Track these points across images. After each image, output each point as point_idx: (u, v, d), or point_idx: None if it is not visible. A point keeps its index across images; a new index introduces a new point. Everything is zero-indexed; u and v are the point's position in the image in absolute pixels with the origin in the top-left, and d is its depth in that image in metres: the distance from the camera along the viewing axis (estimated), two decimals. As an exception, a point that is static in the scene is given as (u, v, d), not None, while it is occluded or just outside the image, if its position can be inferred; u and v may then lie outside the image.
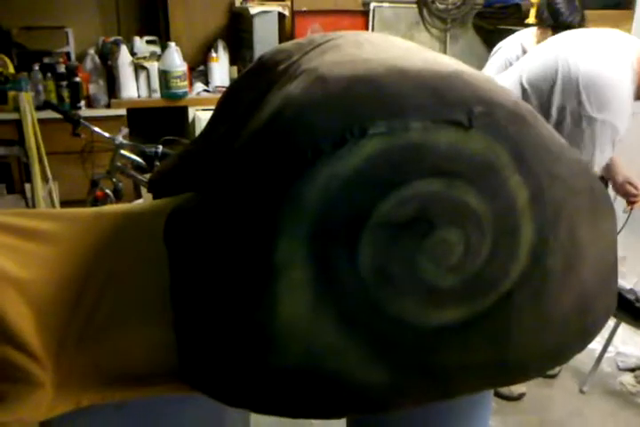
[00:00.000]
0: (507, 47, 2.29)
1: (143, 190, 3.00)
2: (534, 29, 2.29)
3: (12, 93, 2.86)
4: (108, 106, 3.14)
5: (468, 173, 0.97)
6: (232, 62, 3.49)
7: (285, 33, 3.55)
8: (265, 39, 3.37)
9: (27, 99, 2.60)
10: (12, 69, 2.88)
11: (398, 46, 1.22)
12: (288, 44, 1.30)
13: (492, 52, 2.37)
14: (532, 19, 3.59)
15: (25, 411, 1.20)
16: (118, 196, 2.67)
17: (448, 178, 0.95)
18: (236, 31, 3.54)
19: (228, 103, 1.37)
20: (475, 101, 0.95)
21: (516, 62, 2.05)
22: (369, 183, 0.96)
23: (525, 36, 2.30)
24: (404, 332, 0.99)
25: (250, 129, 1.15)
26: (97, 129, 2.51)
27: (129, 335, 1.25)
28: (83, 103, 3.04)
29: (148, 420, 1.25)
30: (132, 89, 3.17)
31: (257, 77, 1.29)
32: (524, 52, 2.21)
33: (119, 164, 2.62)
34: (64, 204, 2.88)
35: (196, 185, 1.29)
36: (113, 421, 1.24)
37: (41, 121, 2.76)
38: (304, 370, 1.04)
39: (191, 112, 3.24)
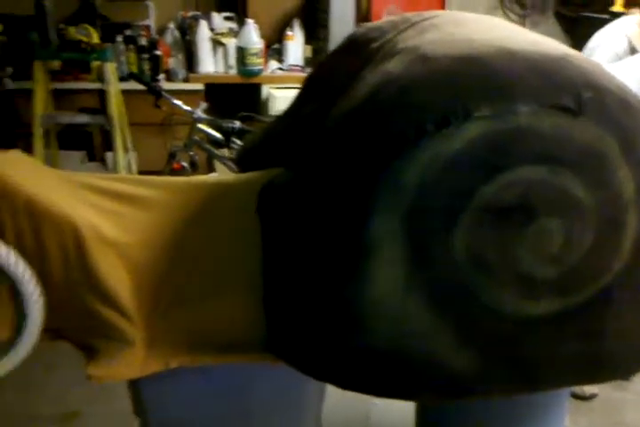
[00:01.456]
0: (611, 40, 2.14)
1: (216, 164, 3.07)
2: (638, 19, 2.15)
3: (95, 63, 2.95)
4: (186, 80, 3.21)
5: (575, 162, 0.95)
6: (307, 41, 3.49)
7: (361, 13, 3.52)
8: (341, 19, 3.36)
9: (111, 69, 2.68)
10: (96, 40, 2.97)
11: (501, 27, 1.20)
12: (380, 23, 1.30)
13: (590, 47, 2.21)
14: (618, 6, 3.43)
15: (118, 367, 1.27)
16: (194, 168, 2.74)
17: (553, 165, 0.94)
18: (313, 10, 3.53)
19: (317, 81, 1.38)
20: (584, 86, 0.93)
21: (628, 56, 1.96)
22: (472, 166, 0.95)
23: (627, 27, 2.15)
24: (496, 321, 0.99)
25: (343, 107, 1.16)
26: (177, 102, 2.58)
27: (219, 303, 1.30)
28: (162, 76, 3.12)
29: (231, 386, 1.31)
30: (209, 64, 3.23)
31: (347, 55, 1.30)
32: (632, 45, 2.07)
33: (196, 137, 2.69)
34: (142, 173, 2.98)
35: (285, 161, 1.32)
36: (198, 384, 1.30)
37: (123, 92, 2.85)
38: (390, 350, 1.06)
39: (265, 90, 3.27)
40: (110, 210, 1.34)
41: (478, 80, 0.97)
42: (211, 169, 3.18)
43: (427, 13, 1.27)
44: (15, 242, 1.25)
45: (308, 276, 1.09)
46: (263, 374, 1.29)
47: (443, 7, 3.63)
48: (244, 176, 1.36)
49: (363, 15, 3.53)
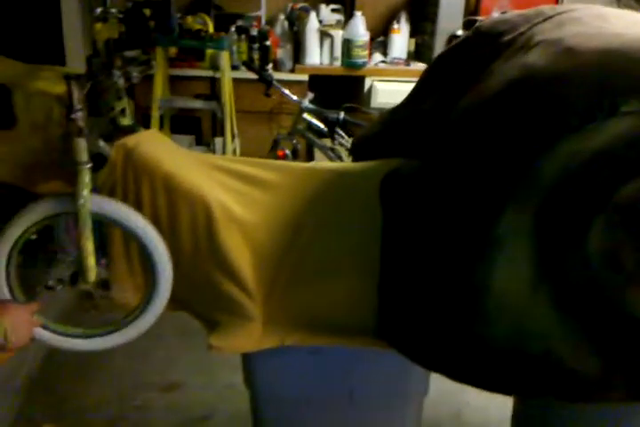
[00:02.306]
0: None
1: (316, 153, 3.12)
2: None
3: (209, 51, 3.07)
4: (292, 70, 3.28)
5: None
6: (412, 35, 3.48)
7: (470, 7, 3.46)
8: (450, 13, 3.31)
9: (226, 58, 2.79)
10: (211, 29, 3.08)
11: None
12: (510, 15, 1.28)
13: None
14: None
15: (237, 340, 1.34)
16: (295, 156, 2.81)
17: None
18: (420, 4, 3.51)
19: (437, 73, 1.38)
20: None
21: None
22: (613, 164, 0.93)
23: None
24: (628, 325, 0.95)
25: (475, 99, 1.16)
26: (286, 91, 2.65)
27: (333, 286, 1.34)
28: (270, 66, 3.20)
29: (338, 368, 1.35)
30: (315, 55, 3.28)
31: (473, 48, 1.29)
32: None
33: (300, 126, 2.75)
34: (244, 159, 3.08)
35: (406, 151, 1.34)
36: (307, 364, 1.36)
37: (232, 80, 2.96)
38: (510, 345, 1.05)
39: (367, 82, 3.29)
40: (237, 190, 1.41)
41: (627, 75, 0.94)
42: (310, 158, 3.24)
43: (562, 7, 1.24)
44: (151, 216, 1.35)
45: (432, 264, 1.11)
46: (371, 360, 1.33)
47: (556, 2, 3.51)
48: (364, 164, 1.39)
49: (471, 10, 3.47)
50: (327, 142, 2.79)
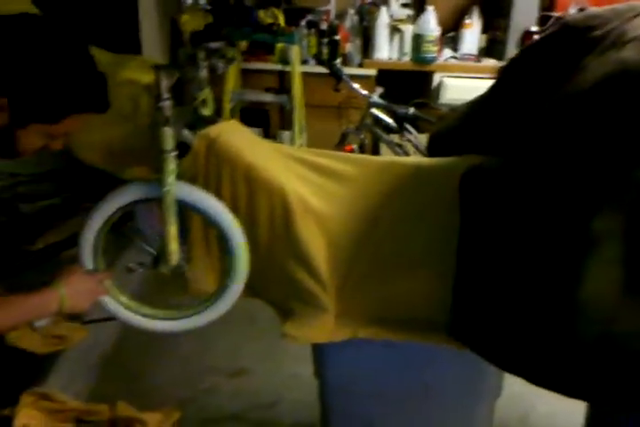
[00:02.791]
0: None
1: (382, 148, 3.12)
2: None
3: (279, 45, 3.10)
4: (361, 65, 3.28)
5: None
6: (483, 30, 3.41)
7: (544, 3, 3.37)
8: (524, 8, 3.24)
9: (296, 52, 2.81)
10: (282, 23, 3.11)
11: None
12: (599, 10, 1.24)
13: None
14: None
15: (311, 330, 1.36)
16: (362, 151, 2.81)
17: None
18: (494, -2, 3.44)
19: (521, 67, 1.34)
20: None
21: None
22: None
23: None
24: None
25: (567, 94, 1.13)
26: (356, 86, 2.65)
27: (407, 281, 1.34)
28: (339, 61, 3.20)
29: (411, 363, 1.34)
30: (384, 50, 3.27)
31: (562, 42, 1.25)
32: None
33: (368, 121, 2.75)
34: (310, 153, 3.10)
35: (486, 147, 1.32)
36: (379, 357, 1.36)
37: (303, 73, 2.98)
38: (598, 347, 1.02)
39: (436, 77, 3.25)
40: (314, 182, 1.43)
41: None
42: (376, 153, 3.24)
43: (657, 3, 1.19)
44: (231, 204, 1.38)
45: (517, 262, 1.09)
46: (446, 356, 1.31)
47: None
48: (443, 160, 1.38)
49: (545, 6, 3.37)
50: (394, 138, 2.78)
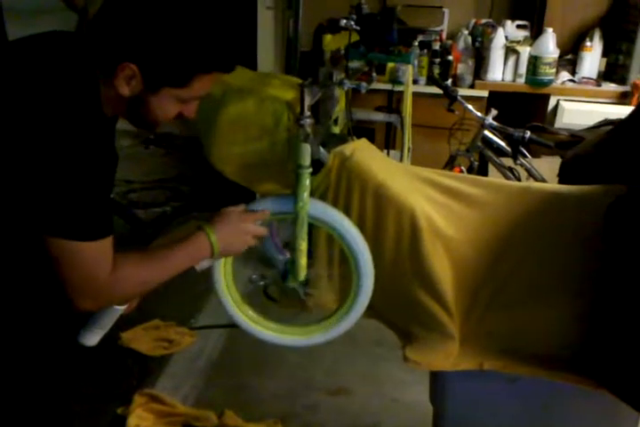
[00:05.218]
0: None
1: (491, 171, 3.04)
2: None
3: (390, 65, 3.11)
4: (472, 86, 3.23)
5: None
6: (604, 53, 3.27)
7: (673, 26, 3.19)
8: (651, 31, 3.08)
9: (410, 72, 2.80)
10: (394, 43, 3.12)
11: None
12: None
13: None
14: None
15: (435, 357, 1.32)
16: (471, 173, 2.75)
17: None
18: (617, 20, 3.29)
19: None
20: None
21: None
22: None
23: None
24: None
25: None
26: (470, 107, 2.60)
27: (535, 313, 1.28)
28: (450, 81, 3.17)
29: (537, 401, 1.28)
30: (497, 72, 3.20)
31: None
32: None
33: (479, 143, 2.69)
34: (416, 173, 3.07)
35: (630, 176, 1.25)
36: (502, 390, 1.30)
37: (412, 93, 2.97)
38: None
39: (552, 101, 3.15)
40: (442, 204, 1.40)
41: None
42: (483, 175, 3.16)
43: None
44: (358, 221, 1.37)
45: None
46: (575, 396, 1.24)
47: None
48: (583, 188, 1.31)
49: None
50: (506, 161, 2.70)
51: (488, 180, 1.44)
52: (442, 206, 1.36)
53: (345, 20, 1.53)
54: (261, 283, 1.40)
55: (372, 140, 3.43)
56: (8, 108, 0.91)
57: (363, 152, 1.36)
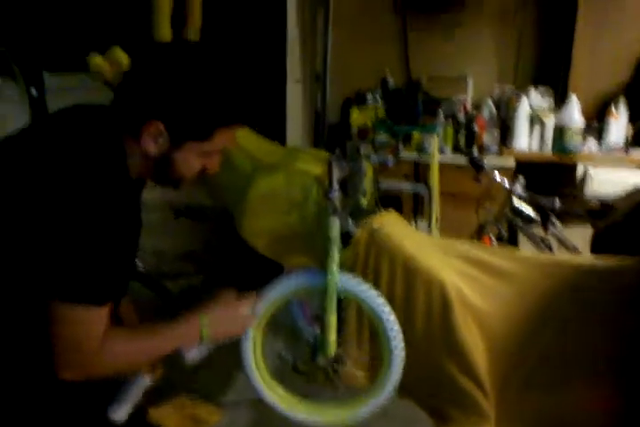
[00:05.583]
0: None
1: (521, 240, 3.00)
2: None
3: (416, 136, 3.17)
4: (499, 155, 3.25)
5: None
6: (631, 119, 3.29)
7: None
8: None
9: (435, 142, 2.85)
10: (419, 114, 3.20)
11: None
12: None
13: None
14: None
15: (472, 440, 1.26)
16: (500, 243, 2.71)
17: None
18: (641, 88, 3.33)
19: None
20: None
21: None
22: None
23: None
24: None
25: None
26: (498, 176, 2.61)
27: (574, 392, 1.22)
28: (475, 151, 3.20)
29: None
30: (523, 141, 3.23)
31: None
32: None
33: (508, 213, 2.67)
34: (445, 241, 3.04)
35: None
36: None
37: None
38: None
39: (580, 169, 3.14)
40: (473, 277, 1.37)
41: None
42: (513, 245, 3.12)
43: None
44: (387, 293, 1.35)
45: None
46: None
47: None
48: (616, 262, 1.28)
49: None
50: (536, 230, 2.67)
51: (518, 252, 1.43)
52: (472, 279, 1.33)
53: (371, 96, 1.57)
54: (291, 360, 1.37)
55: (399, 209, 3.44)
56: (35, 174, 0.95)
57: (391, 225, 1.37)
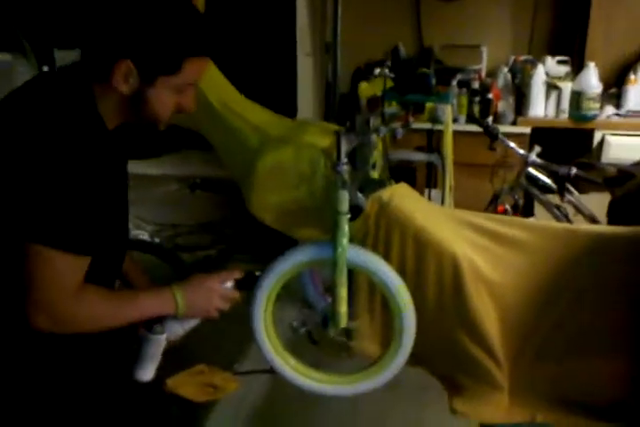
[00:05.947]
0: None
1: (537, 209, 2.97)
2: None
3: (429, 105, 3.12)
4: (514, 123, 3.20)
5: None
6: (649, 86, 3.21)
7: None
8: (698, 61, 3.01)
9: (449, 111, 2.80)
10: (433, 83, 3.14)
11: None
12: None
13: None
14: None
15: (485, 408, 1.26)
16: (516, 212, 2.69)
17: None
18: (661, 52, 3.24)
19: None
20: None
21: None
22: None
23: None
24: None
25: None
26: (513, 145, 2.57)
27: (587, 362, 1.22)
28: (490, 119, 3.15)
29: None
30: (539, 108, 3.17)
31: None
32: None
33: (523, 181, 2.64)
34: (459, 212, 3.02)
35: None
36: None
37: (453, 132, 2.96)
38: None
39: (597, 136, 3.08)
40: (485, 247, 1.37)
41: None
42: (528, 214, 3.09)
43: None
44: (398, 267, 1.36)
45: None
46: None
47: None
48: (635, 229, 1.26)
49: None
50: (552, 199, 2.64)
51: (532, 222, 1.42)
52: (484, 250, 1.33)
53: (379, 69, 1.55)
54: (303, 330, 1.38)
55: (413, 179, 3.43)
56: (7, 132, 0.97)
57: (401, 197, 1.36)
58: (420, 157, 2.91)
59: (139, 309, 1.08)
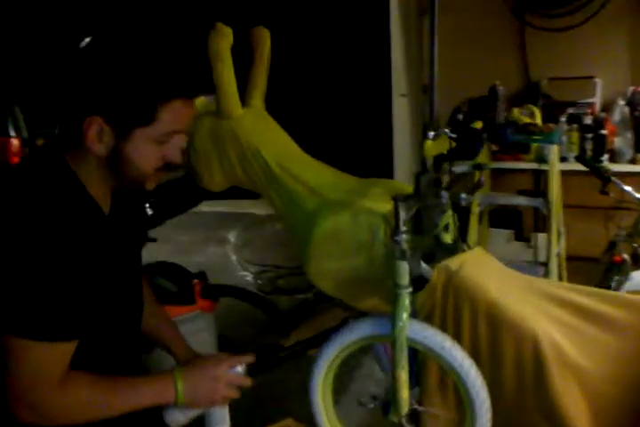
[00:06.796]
0: None
1: (662, 259, 2.64)
2: None
3: (535, 144, 2.91)
4: (632, 161, 2.90)
5: None
6: None
7: None
8: None
9: (555, 151, 2.59)
10: (538, 120, 2.93)
11: None
12: None
13: None
14: None
15: None
16: (636, 262, 2.40)
17: None
18: None
19: None
20: None
21: None
22: None
23: None
24: None
25: None
26: (628, 188, 2.31)
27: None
28: (606, 157, 2.88)
29: None
30: (663, 143, 2.85)
31: None
32: None
33: (644, 227, 2.36)
34: (570, 259, 2.76)
35: None
36: None
37: (562, 172, 2.73)
38: None
39: None
40: (571, 326, 1.19)
41: None
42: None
43: None
44: (471, 345, 1.21)
45: None
46: None
47: None
48: None
49: None
50: (680, 247, 2.32)
51: (629, 297, 1.21)
52: (571, 330, 1.16)
53: (432, 133, 1.45)
54: (371, 406, 1.28)
55: (518, 223, 3.20)
56: None
57: (473, 266, 1.22)
58: (522, 201, 2.70)
59: (134, 397, 0.98)
